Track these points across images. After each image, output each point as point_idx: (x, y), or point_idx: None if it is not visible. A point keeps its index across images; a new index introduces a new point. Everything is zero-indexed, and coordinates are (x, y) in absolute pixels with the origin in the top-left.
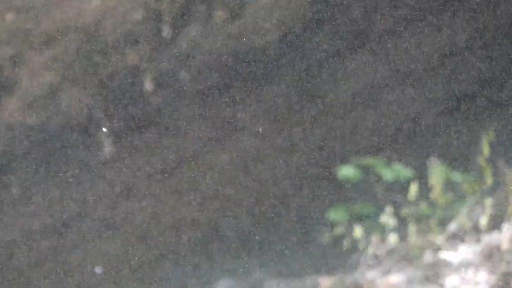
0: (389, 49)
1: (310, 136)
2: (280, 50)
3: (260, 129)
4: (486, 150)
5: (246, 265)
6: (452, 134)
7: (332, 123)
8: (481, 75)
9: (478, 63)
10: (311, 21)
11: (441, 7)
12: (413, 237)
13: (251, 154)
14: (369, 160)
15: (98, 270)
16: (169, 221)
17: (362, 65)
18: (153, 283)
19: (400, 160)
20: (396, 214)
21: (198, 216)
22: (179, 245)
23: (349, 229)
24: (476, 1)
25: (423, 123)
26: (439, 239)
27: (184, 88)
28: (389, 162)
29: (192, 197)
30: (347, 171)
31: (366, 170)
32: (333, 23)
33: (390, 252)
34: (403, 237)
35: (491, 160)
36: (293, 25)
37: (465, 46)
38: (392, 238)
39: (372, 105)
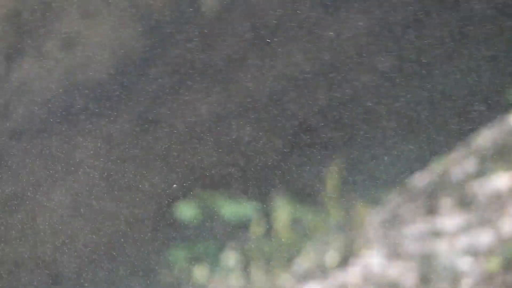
0: (229, 81)
1: (148, 171)
2: (115, 83)
3: (97, 167)
4: (330, 184)
5: None
6: (298, 167)
7: (170, 156)
8: (325, 105)
9: (323, 93)
10: (145, 53)
11: (283, 37)
12: (257, 276)
13: (88, 192)
14: (209, 196)
15: None
16: (8, 261)
17: (200, 97)
18: None
19: (243, 196)
20: (239, 253)
21: (32, 256)
22: (16, 284)
23: (190, 270)
24: (319, 34)
25: (267, 156)
26: (283, 279)
27: (18, 124)
28: (231, 197)
29: (26, 236)
30: (186, 209)
31: (207, 206)
32: (168, 56)
33: None
34: (246, 277)
35: (339, 194)
36: (128, 57)
37: (307, 76)
38: (234, 279)
39: (211, 138)
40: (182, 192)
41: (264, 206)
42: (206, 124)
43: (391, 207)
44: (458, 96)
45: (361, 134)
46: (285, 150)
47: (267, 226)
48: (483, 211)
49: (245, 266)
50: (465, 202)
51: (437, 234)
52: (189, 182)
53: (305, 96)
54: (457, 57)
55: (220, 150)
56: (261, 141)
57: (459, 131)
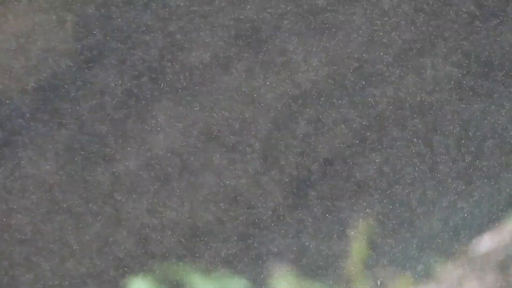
0: (207, 98)
1: (90, 228)
2: (58, 91)
3: (21, 222)
4: (357, 251)
5: None
6: (307, 226)
7: (122, 205)
8: (349, 137)
9: (347, 118)
10: (96, 54)
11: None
12: None
13: (7, 255)
14: (175, 268)
15: None
16: None
17: (168, 119)
18: None
19: (225, 268)
20: None
21: None
22: None
23: None
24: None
25: (262, 208)
26: None
27: None
28: (207, 270)
29: None
30: (141, 285)
31: (171, 282)
32: (128, 58)
33: None
34: None
35: (369, 265)
36: (71, 59)
37: (322, 92)
38: None
39: (180, 182)
40: (137, 262)
41: (258, 282)
42: (174, 159)
43: (447, 283)
44: None
45: (401, 178)
46: (288, 202)
47: None
48: None
49: None
50: None
51: None
52: (148, 247)
53: (321, 122)
54: None
55: (193, 200)
56: (253, 187)
57: None
